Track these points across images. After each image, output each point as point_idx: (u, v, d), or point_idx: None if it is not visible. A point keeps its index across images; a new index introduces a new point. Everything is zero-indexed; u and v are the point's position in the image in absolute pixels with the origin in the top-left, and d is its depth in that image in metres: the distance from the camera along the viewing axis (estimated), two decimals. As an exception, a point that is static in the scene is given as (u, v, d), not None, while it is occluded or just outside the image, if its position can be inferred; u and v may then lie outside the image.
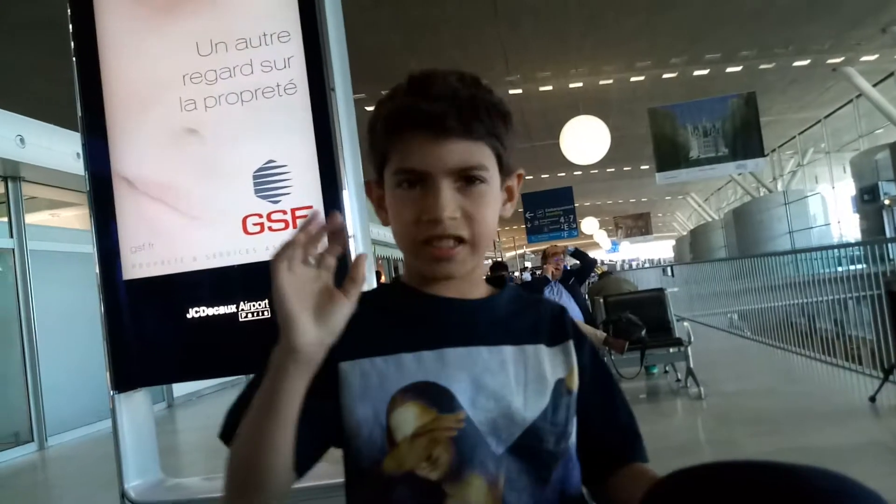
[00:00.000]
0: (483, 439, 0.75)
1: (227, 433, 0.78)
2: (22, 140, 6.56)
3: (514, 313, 0.87)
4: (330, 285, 0.72)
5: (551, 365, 0.83)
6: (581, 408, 0.84)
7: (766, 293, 9.05)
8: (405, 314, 0.84)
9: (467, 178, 0.78)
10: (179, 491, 2.63)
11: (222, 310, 2.40)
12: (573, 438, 0.82)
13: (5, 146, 6.39)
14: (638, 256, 47.11)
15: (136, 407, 2.59)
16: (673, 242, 40.26)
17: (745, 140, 13.04)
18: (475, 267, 0.83)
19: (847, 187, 17.39)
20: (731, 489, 0.57)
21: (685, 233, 35.45)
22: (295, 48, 2.35)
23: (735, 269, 11.11)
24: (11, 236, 6.98)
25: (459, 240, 0.78)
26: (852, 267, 7.16)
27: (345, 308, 0.70)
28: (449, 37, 10.05)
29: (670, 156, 13.35)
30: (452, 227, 0.77)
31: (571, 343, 0.86)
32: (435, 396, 0.76)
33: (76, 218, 9.10)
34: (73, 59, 2.47)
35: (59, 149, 6.94)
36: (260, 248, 2.38)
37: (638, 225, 35.22)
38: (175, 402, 8.61)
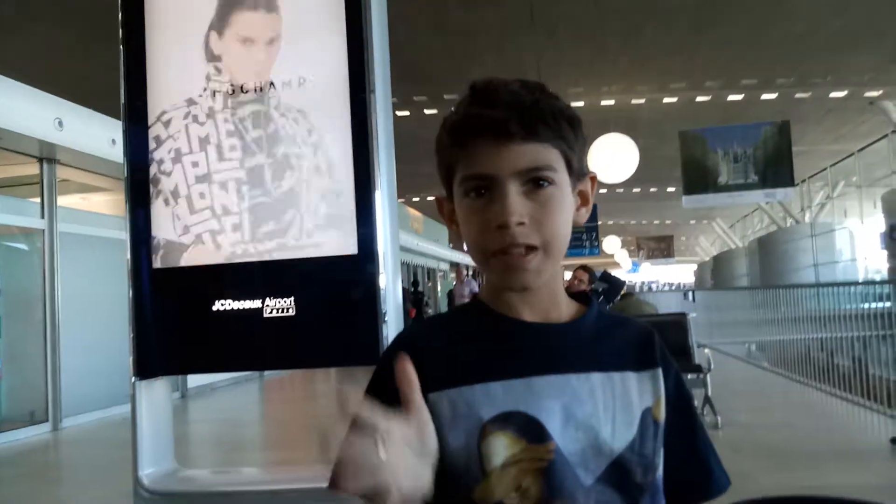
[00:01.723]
0: (572, 470, 0.74)
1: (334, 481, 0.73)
2: (60, 123, 6.66)
3: (601, 336, 0.84)
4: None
5: (639, 393, 0.80)
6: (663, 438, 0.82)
7: (786, 325, 8.92)
8: (491, 341, 0.81)
9: (534, 181, 0.76)
10: (192, 482, 2.64)
11: (247, 304, 2.41)
12: (660, 471, 0.79)
13: (43, 128, 6.50)
14: (658, 279, 46.72)
15: (156, 395, 2.60)
16: (695, 267, 39.88)
17: (775, 168, 12.89)
18: (553, 280, 0.81)
19: (877, 223, 17.10)
20: None
21: (708, 258, 35.06)
22: (339, 48, 2.36)
23: (757, 298, 10.96)
24: (43, 217, 7.09)
25: (530, 248, 0.76)
26: (876, 305, 7.03)
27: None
28: (485, 44, 10.07)
29: (698, 179, 13.24)
30: (521, 235, 0.75)
31: (660, 370, 0.83)
32: (524, 426, 0.74)
33: (105, 203, 9.21)
34: (122, 46, 2.50)
35: (96, 133, 7.05)
36: (288, 247, 2.39)
37: (660, 247, 34.93)
38: (189, 392, 8.66)
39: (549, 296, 0.83)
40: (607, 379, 0.79)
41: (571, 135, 0.79)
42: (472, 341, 0.81)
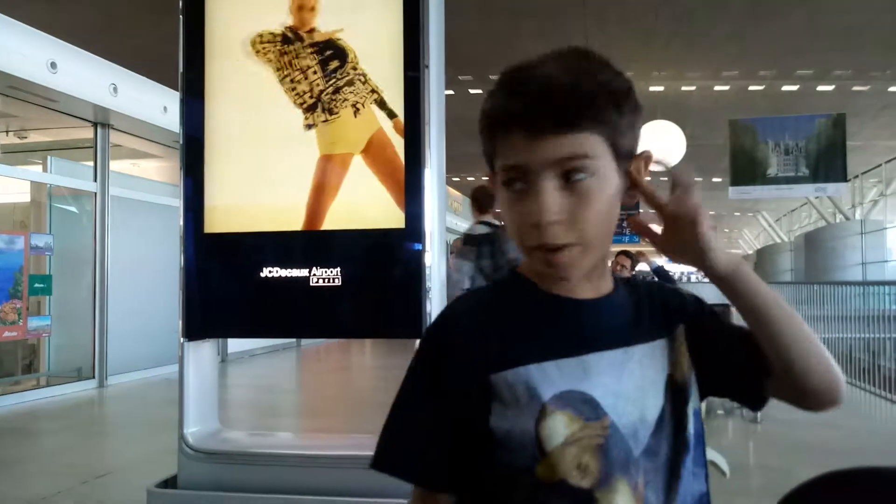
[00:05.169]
0: (626, 444, 0.76)
1: (380, 460, 0.78)
2: (115, 89, 6.81)
3: (639, 306, 0.85)
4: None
5: (662, 359, 0.82)
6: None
7: (829, 323, 8.72)
8: (539, 318, 0.81)
9: (568, 173, 0.73)
10: (232, 443, 2.71)
11: (294, 273, 2.46)
12: (691, 428, 0.81)
13: (99, 93, 6.66)
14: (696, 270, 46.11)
15: (203, 357, 2.68)
16: (736, 260, 39.16)
17: (827, 162, 12.51)
18: (597, 263, 0.81)
19: (931, 223, 16.56)
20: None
21: (751, 251, 34.36)
22: (394, 21, 2.37)
23: (801, 294, 10.72)
24: (95, 180, 7.29)
25: (567, 245, 0.75)
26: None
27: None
28: (531, 27, 9.94)
29: (746, 171, 12.93)
30: (555, 236, 0.73)
31: (681, 329, 0.84)
32: (580, 405, 0.75)
33: (155, 170, 9.41)
34: (181, 16, 2.54)
35: (149, 101, 7.20)
36: (336, 219, 2.42)
37: (702, 238, 34.26)
38: (228, 357, 8.86)
39: (595, 276, 0.83)
40: (647, 350, 0.81)
41: (616, 115, 0.75)
42: (519, 319, 0.81)
